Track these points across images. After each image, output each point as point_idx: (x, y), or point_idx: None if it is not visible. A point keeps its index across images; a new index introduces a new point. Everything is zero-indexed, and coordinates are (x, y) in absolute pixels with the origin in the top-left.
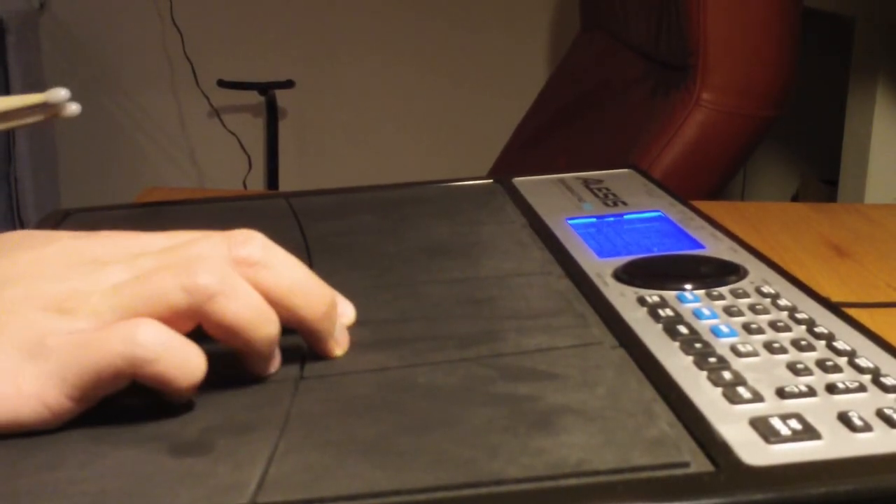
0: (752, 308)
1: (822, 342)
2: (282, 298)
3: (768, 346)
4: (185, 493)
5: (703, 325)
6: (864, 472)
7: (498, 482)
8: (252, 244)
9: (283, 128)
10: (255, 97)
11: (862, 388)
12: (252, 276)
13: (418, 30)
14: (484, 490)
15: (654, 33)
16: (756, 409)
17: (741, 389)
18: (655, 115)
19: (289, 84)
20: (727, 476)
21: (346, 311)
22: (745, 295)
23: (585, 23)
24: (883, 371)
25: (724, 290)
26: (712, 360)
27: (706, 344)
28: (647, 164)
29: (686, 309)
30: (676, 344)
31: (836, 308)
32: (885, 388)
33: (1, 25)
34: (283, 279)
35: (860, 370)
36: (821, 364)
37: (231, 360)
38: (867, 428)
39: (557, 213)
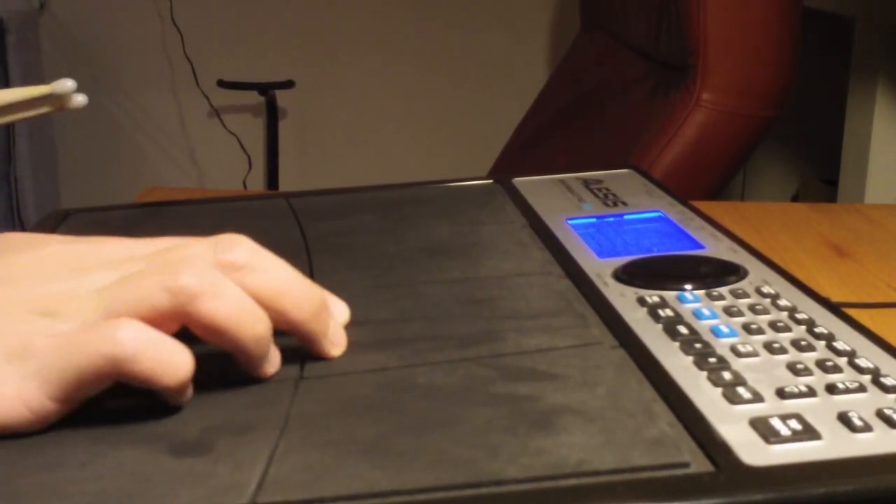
0: (752, 308)
1: (822, 342)
2: (270, 301)
3: (768, 347)
4: (185, 493)
5: (703, 326)
6: (864, 472)
7: (498, 482)
8: (238, 248)
9: (283, 128)
10: (255, 97)
11: (862, 389)
12: (239, 280)
13: (418, 30)
14: (484, 490)
15: (654, 33)
16: (756, 409)
17: (741, 390)
18: (655, 115)
19: (289, 84)
20: (727, 476)
21: (340, 311)
22: (745, 295)
23: (585, 23)
24: (883, 371)
25: (724, 290)
26: (712, 360)
27: (706, 344)
28: (647, 165)
29: (686, 309)
30: (676, 344)
31: (836, 308)
32: (885, 389)
33: (1, 25)
34: (271, 282)
35: (860, 370)
36: (821, 364)
37: (231, 361)
38: (867, 428)
39: (557, 214)
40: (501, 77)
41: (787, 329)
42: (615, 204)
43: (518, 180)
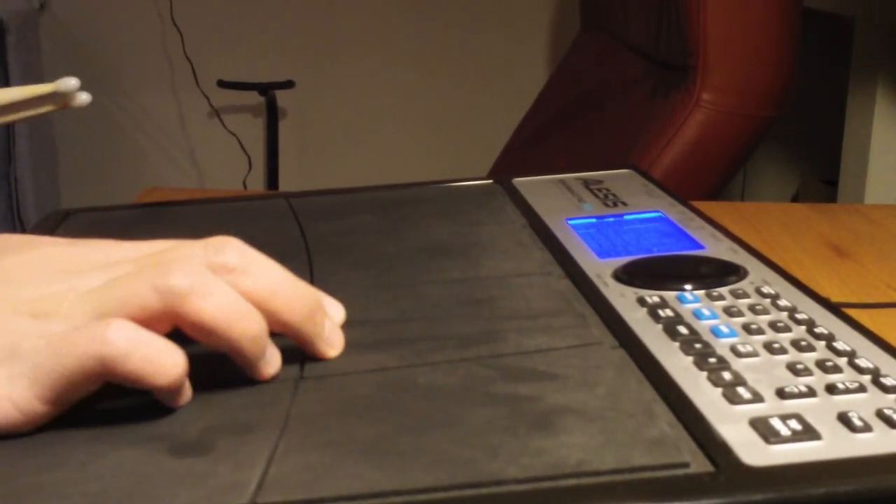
0: (752, 308)
1: (822, 343)
2: (262, 303)
3: (768, 347)
4: (185, 493)
5: (703, 326)
6: (864, 472)
7: (498, 482)
8: (229, 250)
9: (283, 128)
10: (255, 97)
11: (862, 389)
12: (231, 282)
13: (418, 30)
14: (484, 490)
15: (654, 33)
16: (756, 409)
17: (741, 390)
18: (655, 115)
19: (289, 84)
20: (727, 476)
21: (336, 312)
22: (745, 295)
23: (585, 23)
24: (883, 371)
25: (724, 290)
26: (712, 360)
27: (706, 344)
28: (647, 165)
29: (686, 309)
30: (676, 344)
31: (835, 308)
32: (885, 389)
33: (1, 25)
34: (262, 283)
35: (860, 371)
36: (821, 364)
37: (230, 361)
38: (867, 428)
39: (557, 214)
40: (501, 77)
41: (787, 329)
42: (615, 204)
43: (518, 180)
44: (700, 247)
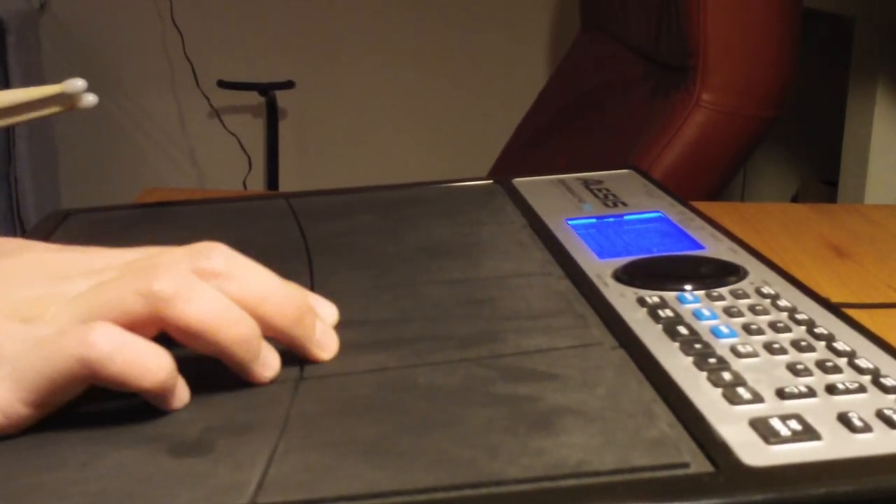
0: (752, 309)
1: (822, 343)
2: (249, 308)
3: (768, 347)
4: (185, 493)
5: (702, 326)
6: (864, 472)
7: (498, 483)
8: (215, 255)
9: (283, 128)
10: (255, 97)
11: (862, 389)
12: (217, 287)
13: (418, 30)
14: (484, 490)
15: (654, 34)
16: (756, 409)
17: (741, 390)
18: (655, 115)
19: (289, 84)
20: (727, 477)
21: (329, 313)
22: (745, 296)
23: (585, 23)
24: (883, 372)
25: (723, 290)
26: (712, 360)
27: (706, 345)
28: (647, 165)
29: (686, 310)
30: (676, 344)
31: (835, 309)
32: (885, 389)
33: (1, 25)
34: (249, 288)
35: (860, 371)
36: (821, 365)
37: None
38: (867, 429)
39: (557, 214)
40: (501, 77)
41: (787, 329)
42: (615, 204)
43: (518, 181)
44: (700, 247)
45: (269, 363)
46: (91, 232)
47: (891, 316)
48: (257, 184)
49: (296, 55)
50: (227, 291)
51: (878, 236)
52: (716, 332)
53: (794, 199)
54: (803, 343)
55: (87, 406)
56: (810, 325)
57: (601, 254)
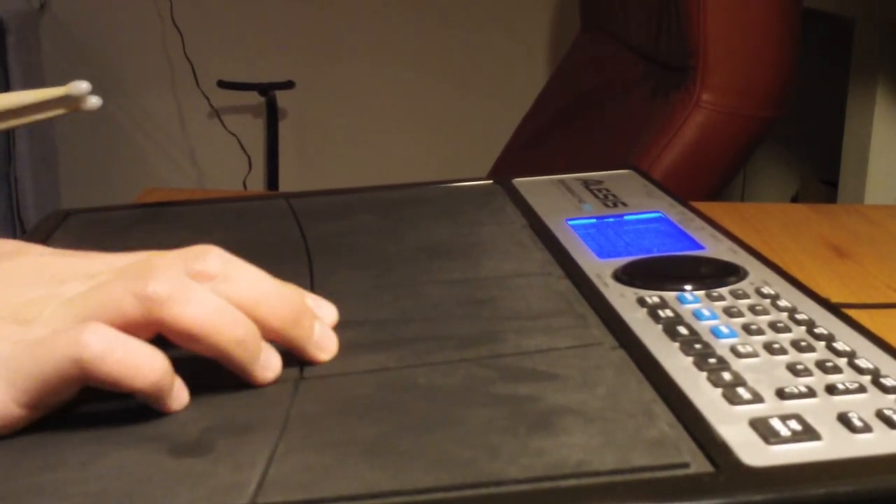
0: (752, 309)
1: (822, 343)
2: (245, 310)
3: (768, 347)
4: (185, 493)
5: (702, 326)
6: (864, 472)
7: (498, 483)
8: (210, 257)
9: (283, 128)
10: (255, 98)
11: (862, 389)
12: (212, 289)
13: (418, 30)
14: (484, 491)
15: (655, 34)
16: (756, 409)
17: (741, 390)
18: (655, 115)
19: (289, 85)
20: (727, 477)
21: (328, 313)
22: (745, 296)
23: (585, 23)
24: (882, 372)
25: (723, 290)
26: (712, 360)
27: (706, 345)
28: (647, 165)
29: (686, 310)
30: (676, 345)
31: (835, 309)
32: (885, 389)
33: (1, 25)
34: (244, 290)
35: (860, 371)
36: (820, 365)
37: None
38: (867, 429)
39: (557, 214)
40: (501, 77)
41: (787, 330)
42: (615, 204)
43: (518, 181)
44: (700, 247)
45: (269, 364)
46: (91, 232)
47: (891, 316)
48: (257, 184)
49: (296, 55)
50: (222, 293)
51: (878, 236)
52: (716, 333)
53: (794, 199)
54: (803, 343)
55: (87, 406)
56: (810, 325)
57: (601, 254)
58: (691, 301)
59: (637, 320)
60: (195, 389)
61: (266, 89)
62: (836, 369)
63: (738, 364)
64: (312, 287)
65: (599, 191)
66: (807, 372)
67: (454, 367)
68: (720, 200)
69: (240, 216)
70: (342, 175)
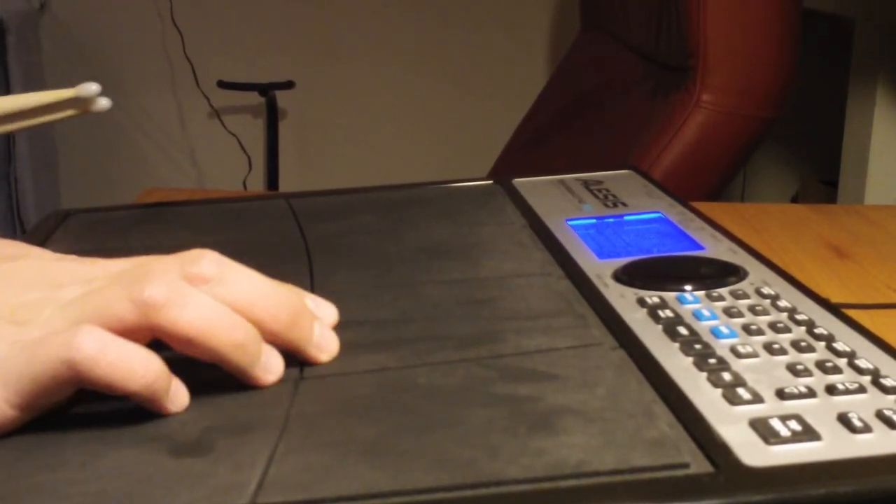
0: (752, 309)
1: (822, 343)
2: (242, 313)
3: (768, 348)
4: (185, 493)
5: (702, 327)
6: (864, 473)
7: (498, 483)
8: (205, 261)
9: (284, 128)
10: (255, 98)
11: (861, 390)
12: (209, 293)
13: (418, 30)
14: (484, 491)
15: (655, 34)
16: (756, 410)
17: (741, 390)
18: (655, 116)
19: (289, 85)
20: (727, 477)
21: (327, 313)
22: (745, 296)
23: (585, 23)
24: (882, 372)
25: (723, 291)
26: (712, 361)
27: (706, 345)
28: (647, 165)
29: (686, 310)
30: (676, 345)
31: (835, 309)
32: (885, 390)
33: (1, 25)
34: (241, 293)
35: (860, 371)
36: (820, 365)
37: None
38: (867, 429)
39: (557, 214)
40: (501, 77)
41: (787, 330)
42: (615, 205)
43: (518, 181)
44: (700, 247)
45: (270, 367)
46: (91, 232)
47: (891, 316)
48: (257, 184)
49: (296, 55)
50: (219, 297)
51: (878, 237)
52: (716, 333)
53: (794, 200)
54: (803, 343)
55: (87, 406)
56: (810, 325)
57: (601, 254)
58: (691, 301)
59: (637, 320)
60: (195, 389)
61: (266, 89)
62: (836, 370)
63: (738, 364)
64: (312, 287)
65: (599, 191)
66: (807, 372)
67: (454, 367)
68: (720, 200)
69: (240, 216)
70: (342, 175)
